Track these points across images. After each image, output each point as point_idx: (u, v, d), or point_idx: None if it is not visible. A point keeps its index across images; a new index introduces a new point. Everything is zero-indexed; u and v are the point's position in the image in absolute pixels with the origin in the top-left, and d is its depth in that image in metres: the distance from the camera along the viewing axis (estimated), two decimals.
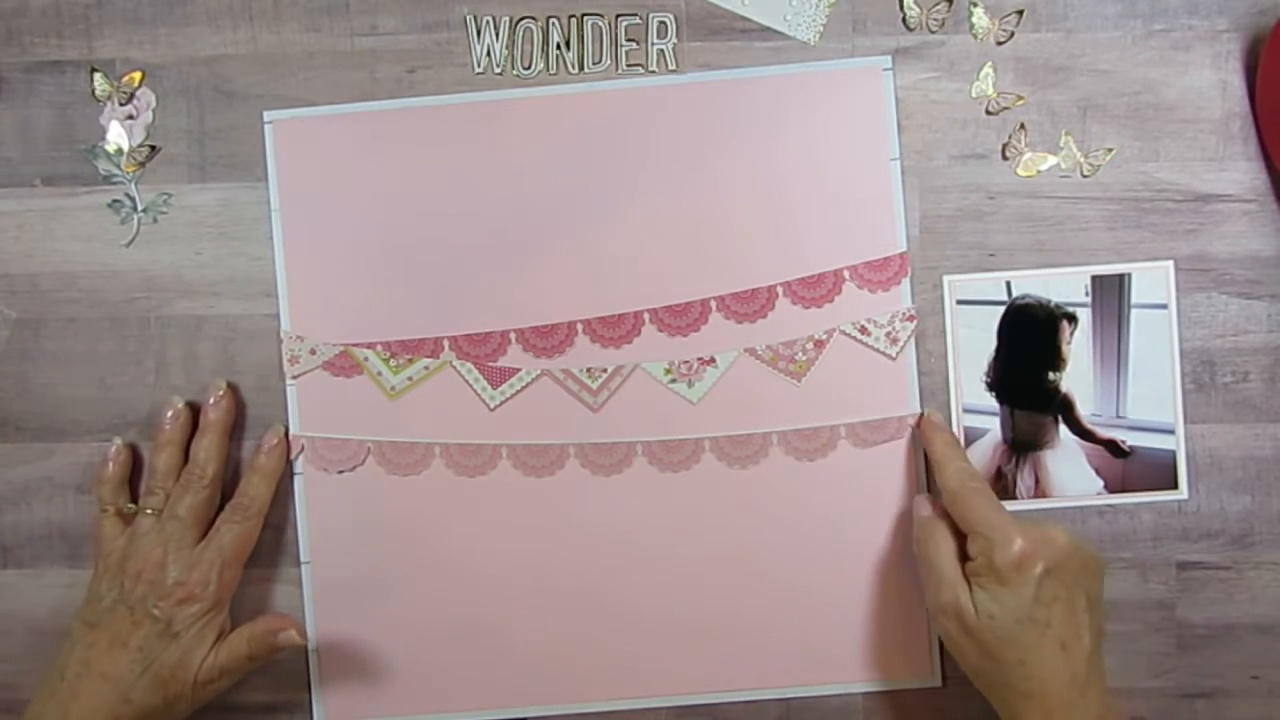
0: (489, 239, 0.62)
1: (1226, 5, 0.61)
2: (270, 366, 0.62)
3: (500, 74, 0.62)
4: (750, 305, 0.61)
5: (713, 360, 0.61)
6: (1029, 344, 0.61)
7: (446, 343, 0.62)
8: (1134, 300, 0.60)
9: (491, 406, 0.62)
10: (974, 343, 0.61)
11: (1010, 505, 0.60)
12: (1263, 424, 0.61)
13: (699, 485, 0.61)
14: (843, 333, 0.61)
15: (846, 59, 0.62)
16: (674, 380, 0.61)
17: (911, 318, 0.61)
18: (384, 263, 0.62)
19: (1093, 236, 0.61)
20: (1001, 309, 0.61)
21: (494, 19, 0.62)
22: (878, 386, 0.61)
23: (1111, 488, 0.61)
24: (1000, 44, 0.62)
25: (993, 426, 0.61)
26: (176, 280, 0.62)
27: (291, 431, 0.62)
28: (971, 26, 0.62)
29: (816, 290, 0.61)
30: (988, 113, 0.62)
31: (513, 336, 0.62)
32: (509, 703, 0.62)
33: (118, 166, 0.63)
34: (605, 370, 0.61)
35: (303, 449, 0.62)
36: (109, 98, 0.63)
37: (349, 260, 0.62)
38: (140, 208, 0.63)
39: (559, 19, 0.62)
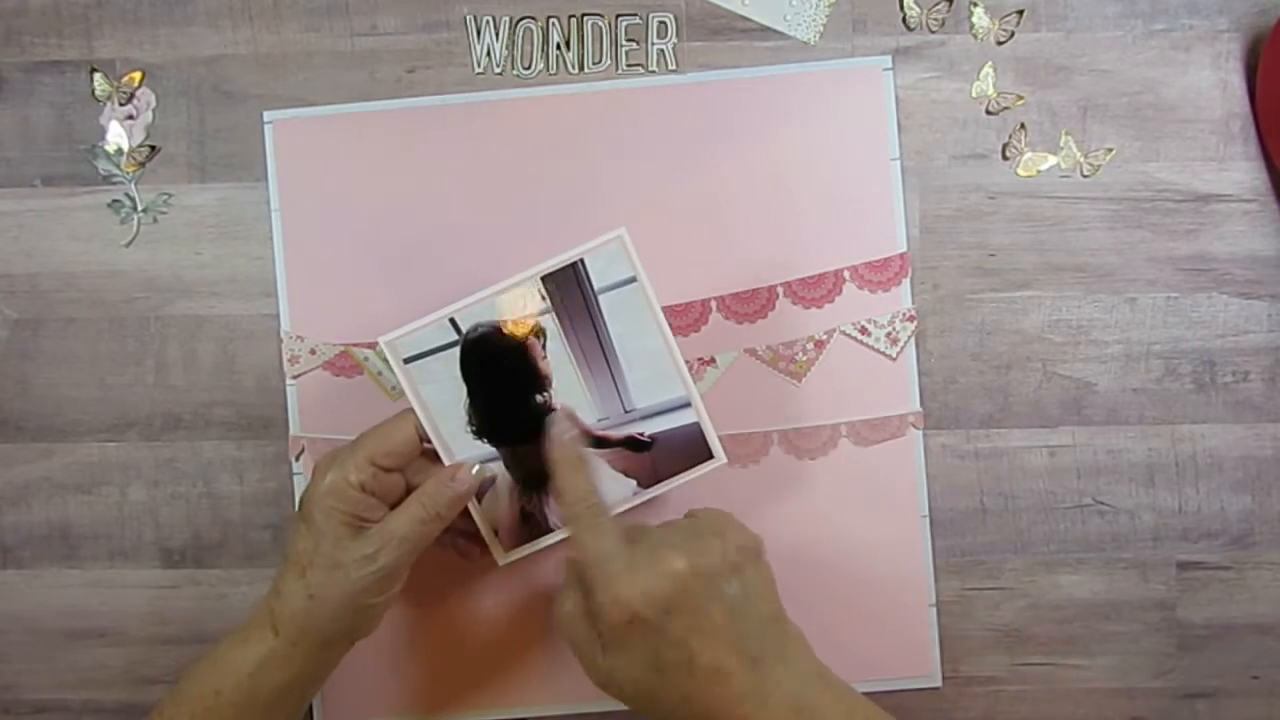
0: (489, 239, 0.62)
1: (1226, 5, 0.61)
2: (270, 366, 0.62)
3: (500, 74, 0.62)
4: (750, 305, 0.61)
5: (713, 360, 0.61)
6: (501, 375, 0.54)
7: None
8: (596, 285, 0.54)
9: None
10: (444, 395, 0.53)
11: (547, 539, 0.55)
12: (1263, 424, 0.61)
13: (699, 484, 0.61)
14: (843, 333, 0.61)
15: (846, 59, 0.62)
16: None
17: (912, 318, 0.61)
18: (384, 262, 0.62)
19: (1093, 236, 0.61)
20: (457, 350, 0.53)
21: (494, 19, 0.62)
22: (878, 387, 0.61)
23: (646, 482, 0.55)
24: (1000, 44, 0.62)
25: (499, 472, 0.55)
26: (176, 280, 0.62)
27: (291, 432, 0.62)
28: (971, 26, 0.62)
29: (816, 290, 0.61)
30: (988, 113, 0.62)
31: None
32: (509, 703, 0.62)
33: (118, 166, 0.62)
34: None
35: (303, 449, 0.62)
36: (109, 98, 0.63)
37: (349, 260, 0.62)
38: (140, 208, 0.63)
39: (559, 19, 0.62)
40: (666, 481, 0.55)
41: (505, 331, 0.54)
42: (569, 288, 0.54)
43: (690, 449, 0.55)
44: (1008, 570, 0.62)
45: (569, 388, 0.54)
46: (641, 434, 0.55)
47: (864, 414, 0.61)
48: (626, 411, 0.55)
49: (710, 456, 0.55)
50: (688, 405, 0.55)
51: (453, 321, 0.53)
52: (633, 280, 0.54)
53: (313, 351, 0.62)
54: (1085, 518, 0.61)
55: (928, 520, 0.61)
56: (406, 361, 0.53)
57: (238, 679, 0.51)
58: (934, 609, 0.61)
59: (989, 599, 0.61)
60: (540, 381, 0.54)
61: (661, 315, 0.54)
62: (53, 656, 0.62)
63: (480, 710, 0.62)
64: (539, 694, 0.62)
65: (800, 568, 0.61)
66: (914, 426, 0.61)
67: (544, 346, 0.54)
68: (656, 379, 0.54)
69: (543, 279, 0.53)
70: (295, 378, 0.62)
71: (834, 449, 0.61)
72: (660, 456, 0.55)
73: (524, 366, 0.54)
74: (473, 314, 0.53)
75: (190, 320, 0.62)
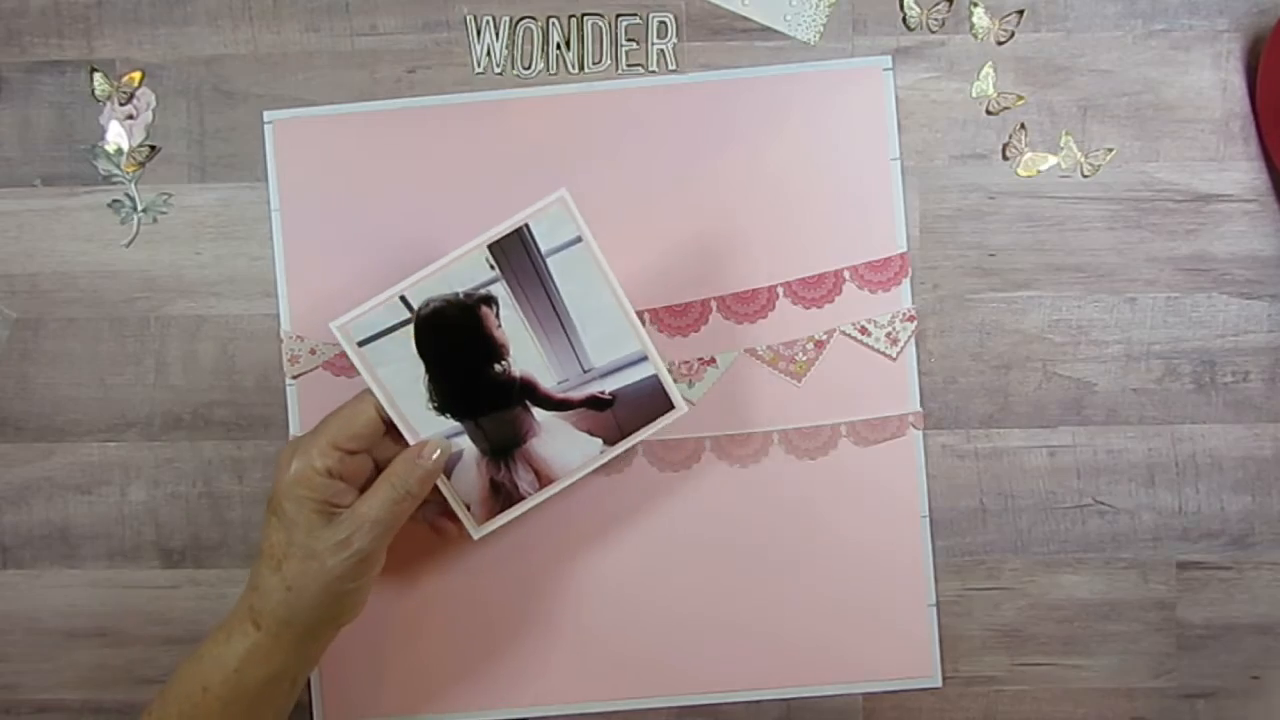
0: None
1: (1226, 5, 0.61)
2: (270, 366, 0.62)
3: (500, 74, 0.62)
4: (750, 305, 0.61)
5: (713, 360, 0.61)
6: (457, 347, 0.54)
7: None
8: (544, 248, 0.54)
9: None
10: (402, 375, 0.53)
11: (519, 508, 0.55)
12: (1263, 424, 0.61)
13: (699, 484, 0.61)
14: (843, 333, 0.61)
15: (846, 59, 0.62)
16: (674, 380, 0.61)
17: (911, 318, 0.61)
18: (384, 262, 0.62)
19: (1093, 236, 0.61)
20: (411, 327, 0.53)
21: (494, 19, 0.62)
22: (878, 387, 0.61)
23: (612, 439, 0.56)
24: (1000, 44, 0.62)
25: (466, 445, 0.55)
26: (176, 280, 0.62)
27: (291, 432, 0.62)
28: (971, 26, 0.62)
29: (816, 290, 0.61)
30: (988, 113, 0.62)
31: None
32: (509, 703, 0.62)
33: (118, 166, 0.62)
34: None
35: None
36: (109, 98, 0.63)
37: (349, 260, 0.62)
38: (140, 208, 0.63)
39: (559, 19, 0.62)
40: (631, 436, 0.56)
41: (456, 303, 0.54)
42: (517, 253, 0.54)
43: (651, 402, 0.56)
44: (1008, 570, 0.62)
45: (526, 353, 0.54)
46: (602, 392, 0.55)
47: (864, 414, 0.61)
48: (585, 371, 0.55)
49: (672, 407, 0.56)
50: (644, 359, 0.55)
51: (404, 299, 0.53)
52: (579, 240, 0.54)
53: (313, 351, 0.62)
54: (1085, 518, 0.61)
55: (928, 520, 0.61)
56: (361, 344, 0.53)
57: (224, 675, 0.51)
58: (934, 609, 0.61)
59: (989, 599, 0.61)
60: (497, 350, 0.54)
61: (610, 272, 0.54)
62: (53, 656, 0.62)
63: (480, 709, 0.62)
64: (539, 693, 0.62)
65: (800, 568, 0.61)
66: (914, 426, 0.61)
67: (497, 315, 0.54)
68: (611, 336, 0.55)
69: (490, 247, 0.53)
70: (295, 378, 0.62)
71: (834, 449, 0.61)
72: (623, 412, 0.56)
73: (479, 337, 0.54)
74: (423, 290, 0.53)
75: (190, 320, 0.62)
